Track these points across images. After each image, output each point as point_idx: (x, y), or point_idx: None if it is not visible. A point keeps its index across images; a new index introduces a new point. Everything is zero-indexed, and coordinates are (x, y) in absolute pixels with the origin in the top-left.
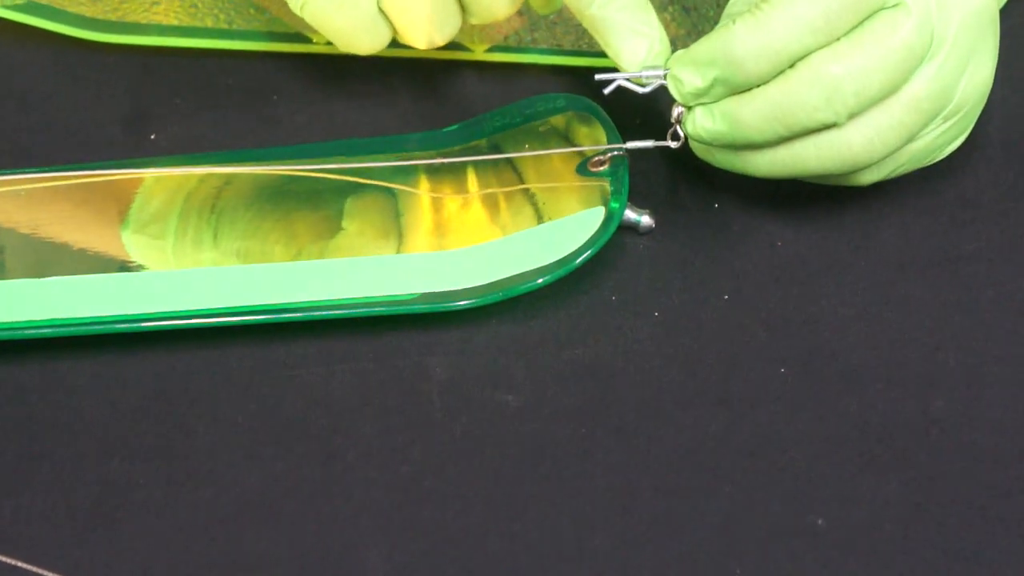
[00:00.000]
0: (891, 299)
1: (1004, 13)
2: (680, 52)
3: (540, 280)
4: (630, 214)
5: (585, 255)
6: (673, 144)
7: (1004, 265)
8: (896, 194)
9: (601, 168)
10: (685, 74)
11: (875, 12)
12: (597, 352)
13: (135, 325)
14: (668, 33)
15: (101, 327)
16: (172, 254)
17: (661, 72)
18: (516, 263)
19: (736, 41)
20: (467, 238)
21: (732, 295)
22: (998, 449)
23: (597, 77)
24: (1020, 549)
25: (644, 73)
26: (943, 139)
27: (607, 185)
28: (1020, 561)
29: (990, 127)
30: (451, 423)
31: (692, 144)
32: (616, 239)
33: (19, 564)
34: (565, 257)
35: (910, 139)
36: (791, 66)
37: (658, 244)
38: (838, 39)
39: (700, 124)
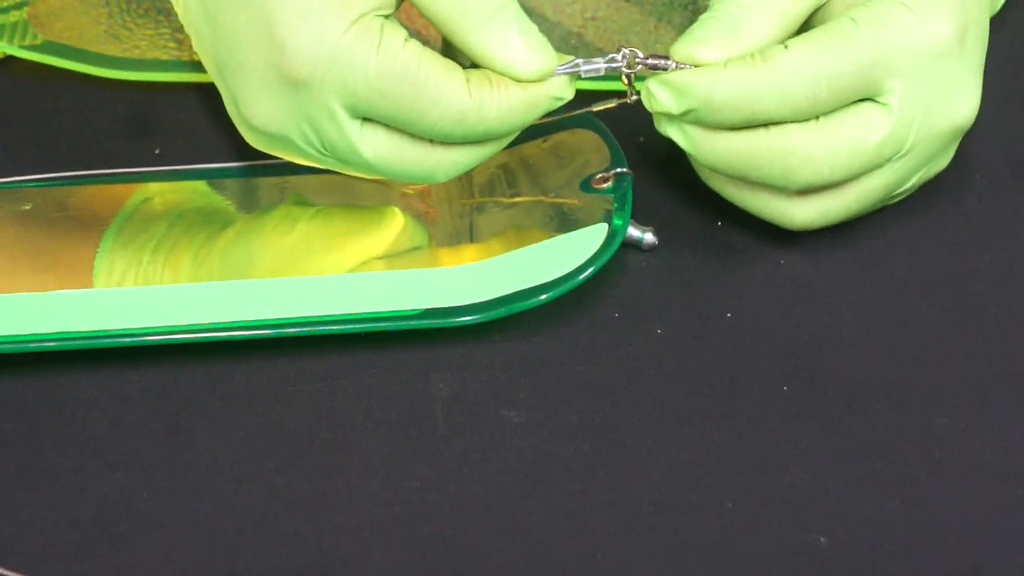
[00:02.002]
0: (894, 317)
1: (1005, 27)
2: (661, 74)
3: (543, 296)
4: (633, 231)
5: (588, 272)
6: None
7: (1008, 283)
8: (900, 213)
9: (605, 185)
10: (661, 94)
11: (861, 100)
12: (600, 368)
13: (138, 339)
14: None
15: (103, 341)
16: (148, 262)
17: (669, 62)
18: (519, 279)
19: (718, 88)
20: (470, 254)
21: (735, 313)
22: (1001, 467)
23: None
24: (1023, 568)
25: (652, 62)
26: (882, 203)
27: (611, 202)
28: None
29: (994, 146)
30: (454, 438)
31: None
32: (619, 256)
33: None
34: (568, 274)
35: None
36: (764, 126)
37: (661, 261)
38: (817, 118)
39: (664, 128)
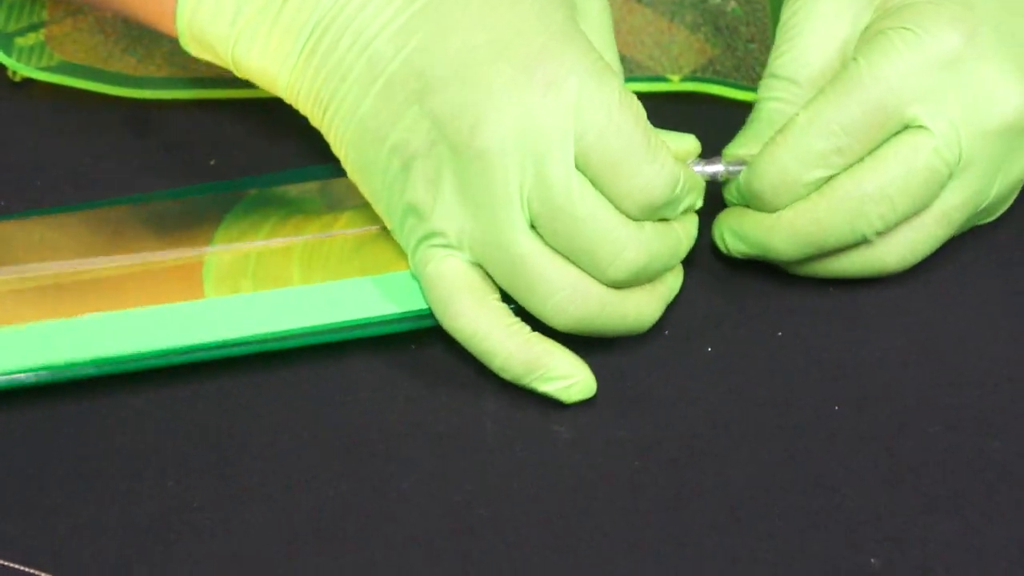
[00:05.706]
0: (946, 339)
1: None
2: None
3: None
4: None
5: None
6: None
7: None
8: None
9: None
10: (732, 189)
11: (899, 132)
12: (649, 385)
13: (205, 353)
14: (703, 54)
15: (161, 359)
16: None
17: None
18: None
19: (755, 175)
20: None
21: (786, 332)
22: None
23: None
24: None
25: (731, 168)
26: (971, 224)
27: None
28: None
29: None
30: (503, 452)
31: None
32: None
33: None
34: None
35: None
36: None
37: (711, 280)
38: (861, 159)
39: (732, 246)
